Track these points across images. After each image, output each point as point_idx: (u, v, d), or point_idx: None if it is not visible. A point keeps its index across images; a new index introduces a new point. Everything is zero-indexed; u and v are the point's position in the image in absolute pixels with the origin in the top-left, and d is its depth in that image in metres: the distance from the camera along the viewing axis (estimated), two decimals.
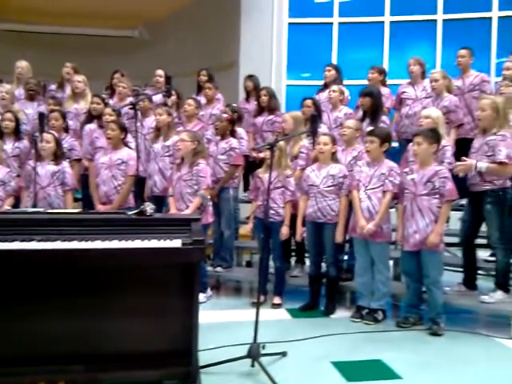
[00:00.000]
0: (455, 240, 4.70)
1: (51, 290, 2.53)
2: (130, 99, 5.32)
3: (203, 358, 2.81)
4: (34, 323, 2.52)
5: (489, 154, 3.78)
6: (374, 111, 4.67)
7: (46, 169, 4.31)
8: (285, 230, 4.22)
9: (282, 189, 4.26)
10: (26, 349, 2.51)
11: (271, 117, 5.59)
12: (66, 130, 5.08)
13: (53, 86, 6.12)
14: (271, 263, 4.38)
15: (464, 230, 4.13)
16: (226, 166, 4.85)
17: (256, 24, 8.20)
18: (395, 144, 5.08)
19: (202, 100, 5.80)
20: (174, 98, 5.57)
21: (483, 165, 3.73)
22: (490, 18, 8.04)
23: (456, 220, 4.64)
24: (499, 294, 3.83)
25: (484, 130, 3.88)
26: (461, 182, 3.95)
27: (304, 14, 8.50)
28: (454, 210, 4.32)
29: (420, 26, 8.31)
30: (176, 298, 2.61)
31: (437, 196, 3.68)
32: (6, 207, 4.23)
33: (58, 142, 4.44)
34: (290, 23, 8.42)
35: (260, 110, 5.66)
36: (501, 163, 3.70)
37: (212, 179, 4.56)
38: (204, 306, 4.17)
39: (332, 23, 8.42)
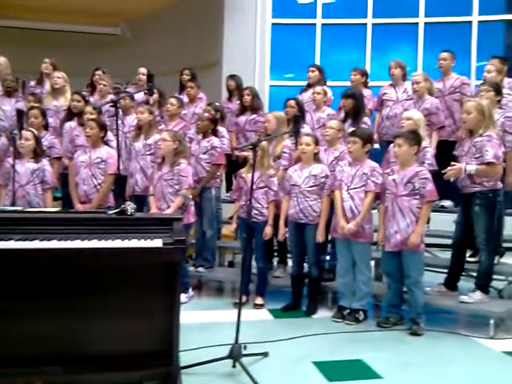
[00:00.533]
0: (436, 241, 4.76)
1: (29, 289, 2.48)
2: (111, 97, 5.27)
3: (184, 358, 2.78)
4: (11, 324, 2.46)
5: (477, 155, 3.80)
6: (356, 113, 4.70)
7: (26, 167, 4.24)
8: (269, 230, 4.22)
9: (265, 189, 4.25)
10: (3, 350, 2.46)
11: (254, 116, 5.58)
12: (46, 127, 4.99)
13: (32, 83, 6.03)
14: (254, 263, 4.37)
15: (457, 231, 4.14)
16: (207, 165, 4.82)
17: (239, 24, 8.19)
18: (376, 145, 5.12)
19: (185, 99, 5.77)
20: (156, 96, 5.54)
21: (472, 167, 3.76)
22: (471, 22, 8.17)
23: (439, 221, 4.69)
24: (478, 295, 3.86)
25: (471, 132, 3.91)
26: (442, 184, 3.99)
27: (287, 14, 8.52)
28: (434, 211, 4.37)
29: (402, 29, 8.41)
30: (157, 298, 2.59)
31: (417, 197, 3.71)
32: None
33: (38, 140, 4.37)
34: (273, 24, 8.43)
35: (243, 110, 5.65)
36: (489, 164, 3.73)
37: (194, 178, 4.53)
38: (185, 306, 4.14)
39: (315, 24, 8.46)
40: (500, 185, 3.87)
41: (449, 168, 3.81)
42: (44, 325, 2.48)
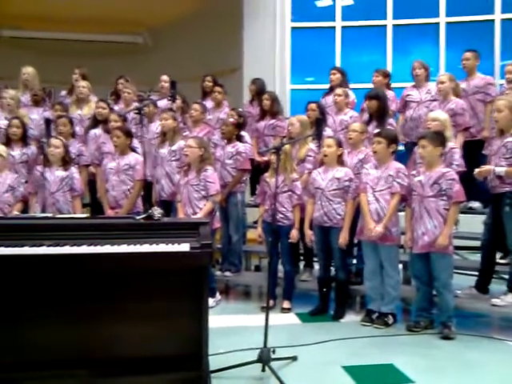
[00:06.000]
0: (465, 243, 4.67)
1: (60, 294, 2.52)
2: (135, 104, 5.33)
3: (213, 362, 2.79)
4: (41, 328, 2.51)
5: (507, 156, 3.74)
6: (380, 114, 4.65)
7: (55, 174, 4.31)
8: (295, 233, 4.20)
9: (289, 193, 4.24)
10: (32, 354, 2.50)
11: (273, 121, 5.51)
12: (73, 135, 5.08)
13: (63, 93, 6.15)
14: (280, 267, 4.35)
15: (485, 232, 4.07)
16: (233, 170, 4.84)
17: (259, 29, 8.22)
18: (401, 147, 5.06)
19: (209, 104, 5.80)
20: (179, 102, 5.57)
21: (502, 169, 3.73)
22: (493, 21, 8.04)
23: (467, 223, 4.60)
24: (510, 298, 3.78)
25: (501, 132, 3.84)
26: (469, 185, 3.93)
27: (306, 18, 8.52)
28: (462, 212, 4.30)
29: (423, 29, 8.32)
30: (185, 303, 2.60)
31: (444, 198, 3.66)
32: (15, 213, 4.22)
33: (67, 148, 4.44)
34: (292, 27, 8.43)
35: (263, 115, 5.64)
36: None
37: (219, 183, 4.54)
38: (213, 310, 4.15)
39: (335, 27, 8.44)
40: None
41: (477, 170, 3.76)
42: (74, 329, 2.52)
